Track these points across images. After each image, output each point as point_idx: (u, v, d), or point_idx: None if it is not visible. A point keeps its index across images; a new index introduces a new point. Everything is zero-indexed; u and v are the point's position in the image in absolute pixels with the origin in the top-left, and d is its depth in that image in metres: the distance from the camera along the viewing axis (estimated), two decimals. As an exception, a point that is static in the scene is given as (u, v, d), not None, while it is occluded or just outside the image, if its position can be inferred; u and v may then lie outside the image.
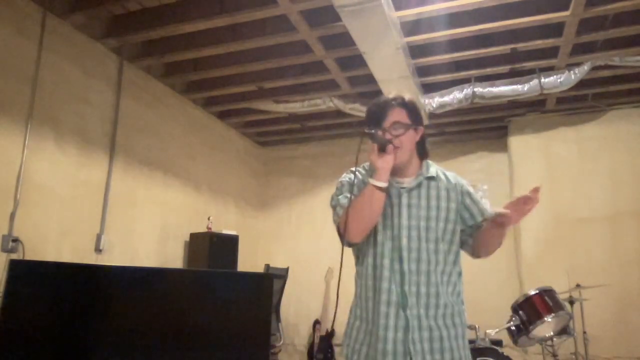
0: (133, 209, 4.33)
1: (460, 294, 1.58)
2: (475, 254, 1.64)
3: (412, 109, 1.59)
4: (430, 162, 1.67)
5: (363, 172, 1.67)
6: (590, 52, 4.11)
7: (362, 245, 1.59)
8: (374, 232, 1.55)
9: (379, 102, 1.60)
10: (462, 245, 1.63)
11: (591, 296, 4.01)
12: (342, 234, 1.55)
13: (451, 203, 1.57)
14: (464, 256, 1.65)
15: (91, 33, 3.91)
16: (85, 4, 3.60)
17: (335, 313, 1.64)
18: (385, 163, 1.48)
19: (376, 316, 1.50)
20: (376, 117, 1.57)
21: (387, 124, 1.55)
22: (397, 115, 1.56)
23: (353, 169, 1.65)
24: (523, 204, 1.39)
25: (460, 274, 1.59)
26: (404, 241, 1.51)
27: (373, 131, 1.50)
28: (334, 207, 1.62)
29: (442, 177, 1.62)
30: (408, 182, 1.59)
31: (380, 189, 1.47)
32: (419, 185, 1.58)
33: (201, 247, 4.87)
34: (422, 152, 1.65)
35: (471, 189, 1.65)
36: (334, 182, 1.75)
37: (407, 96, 1.61)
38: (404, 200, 1.55)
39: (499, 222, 1.46)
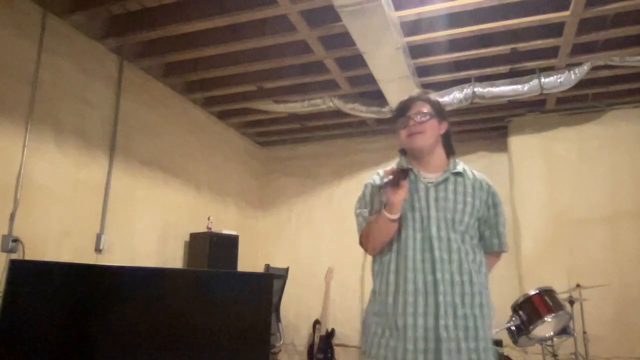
0: (133, 209, 4.33)
1: (488, 287, 1.66)
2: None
3: (435, 104, 1.74)
4: (459, 161, 1.78)
5: (382, 179, 1.75)
6: (590, 52, 4.11)
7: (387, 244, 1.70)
8: (398, 229, 1.65)
9: (406, 99, 1.77)
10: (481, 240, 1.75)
11: (591, 296, 4.01)
12: (362, 246, 1.72)
13: (475, 199, 1.68)
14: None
15: (91, 33, 3.91)
16: (85, 4, 3.60)
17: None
18: (397, 197, 1.58)
19: (401, 307, 1.54)
20: (402, 108, 1.73)
21: (411, 112, 1.70)
22: (421, 106, 1.71)
23: (379, 171, 1.78)
24: None
25: (486, 264, 1.69)
26: (434, 230, 1.59)
27: (385, 181, 1.61)
28: (356, 217, 1.77)
29: (469, 174, 1.74)
30: (435, 177, 1.69)
31: (392, 220, 1.60)
32: (445, 180, 1.67)
33: (201, 247, 4.87)
34: (449, 147, 1.77)
35: (499, 201, 1.78)
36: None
37: (433, 96, 1.78)
38: (432, 194, 1.65)
39: None
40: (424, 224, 1.61)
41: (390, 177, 1.60)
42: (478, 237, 1.70)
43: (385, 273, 1.64)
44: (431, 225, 1.59)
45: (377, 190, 1.72)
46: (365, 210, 1.73)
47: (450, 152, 1.77)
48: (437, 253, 1.56)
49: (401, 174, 1.61)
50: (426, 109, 1.70)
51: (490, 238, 1.72)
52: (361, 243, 1.72)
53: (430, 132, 1.68)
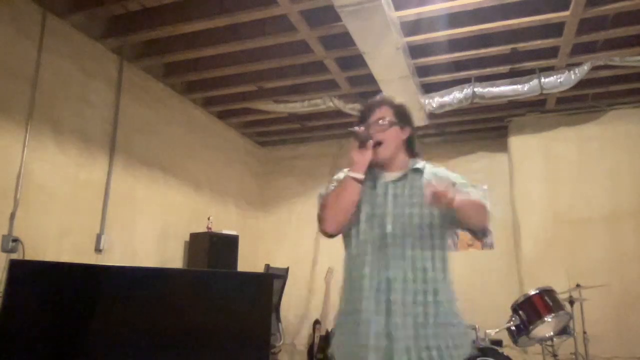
0: (133, 209, 4.33)
1: (450, 282, 1.58)
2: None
3: (399, 110, 1.68)
4: (420, 159, 1.72)
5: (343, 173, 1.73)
6: (590, 52, 4.11)
7: (347, 238, 1.65)
8: (357, 223, 1.61)
9: (369, 102, 1.72)
10: (461, 227, 1.61)
11: (591, 296, 4.01)
12: (320, 225, 1.63)
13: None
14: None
15: (91, 33, 3.91)
16: (85, 4, 3.60)
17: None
18: (363, 157, 1.57)
19: (358, 302, 1.52)
20: (364, 114, 1.69)
21: (372, 119, 1.65)
22: (384, 112, 1.66)
23: (342, 170, 1.72)
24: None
25: (445, 259, 1.59)
26: (389, 227, 1.55)
27: (356, 128, 1.60)
28: (318, 200, 1.70)
29: (430, 170, 1.67)
30: (394, 175, 1.65)
31: (355, 179, 1.56)
32: (404, 177, 1.64)
33: (201, 247, 4.87)
34: (411, 151, 1.72)
35: (459, 181, 1.62)
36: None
37: (397, 99, 1.72)
38: (390, 190, 1.62)
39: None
40: (380, 221, 1.57)
41: (359, 135, 1.57)
42: (444, 233, 1.59)
43: (348, 268, 1.63)
44: (386, 223, 1.56)
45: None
46: (325, 191, 1.66)
47: (412, 155, 1.71)
48: (390, 250, 1.53)
49: (369, 137, 1.59)
50: (388, 115, 1.65)
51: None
52: (319, 220, 1.62)
53: (390, 141, 1.63)
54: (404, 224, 1.55)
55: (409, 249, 1.53)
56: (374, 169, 1.65)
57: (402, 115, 1.68)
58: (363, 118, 1.68)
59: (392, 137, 1.64)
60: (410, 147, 1.71)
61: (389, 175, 1.65)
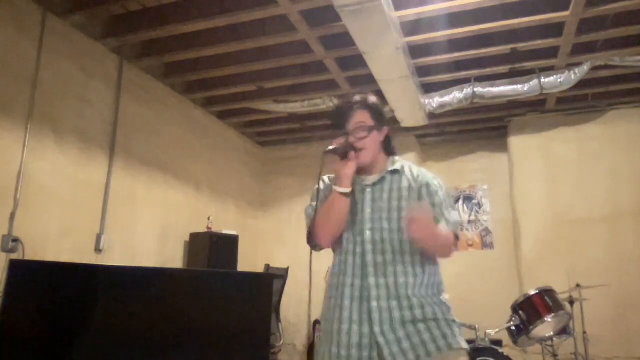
0: (133, 209, 4.33)
1: (435, 284, 1.54)
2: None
3: (375, 110, 1.61)
4: (398, 158, 1.67)
5: (329, 181, 1.69)
6: (590, 52, 4.11)
7: (333, 245, 1.63)
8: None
9: (342, 105, 1.64)
10: None
11: (591, 296, 4.01)
12: (311, 241, 1.61)
13: (413, 193, 1.56)
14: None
15: (91, 33, 3.91)
16: (85, 4, 3.60)
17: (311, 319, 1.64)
18: (347, 169, 1.52)
19: (339, 311, 1.51)
20: (340, 120, 1.60)
21: (350, 127, 1.57)
22: (360, 117, 1.58)
23: (325, 177, 1.70)
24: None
25: (435, 262, 1.56)
26: (367, 234, 1.52)
27: (331, 148, 1.53)
28: (305, 212, 1.68)
29: (407, 171, 1.62)
30: (372, 178, 1.61)
31: (343, 194, 1.51)
32: (382, 180, 1.59)
33: (201, 247, 4.87)
34: (389, 150, 1.66)
35: (437, 188, 1.58)
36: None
37: (371, 98, 1.64)
38: (368, 195, 1.58)
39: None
40: (359, 228, 1.54)
41: (338, 147, 1.51)
42: None
43: (333, 276, 1.60)
44: (365, 229, 1.53)
45: (329, 185, 1.63)
46: (314, 203, 1.62)
47: (390, 154, 1.66)
48: (370, 257, 1.50)
49: (351, 147, 1.53)
50: (366, 118, 1.57)
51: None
52: (309, 236, 1.60)
53: (371, 147, 1.57)
54: (382, 229, 1.52)
55: (389, 253, 1.50)
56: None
57: (378, 116, 1.61)
58: (339, 124, 1.60)
59: (372, 142, 1.58)
60: (388, 147, 1.66)
61: (367, 179, 1.61)
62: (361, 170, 1.59)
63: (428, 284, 1.52)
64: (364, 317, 1.46)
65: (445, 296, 1.56)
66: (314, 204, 1.62)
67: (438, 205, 1.54)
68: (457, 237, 1.53)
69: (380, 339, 1.42)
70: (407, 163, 1.66)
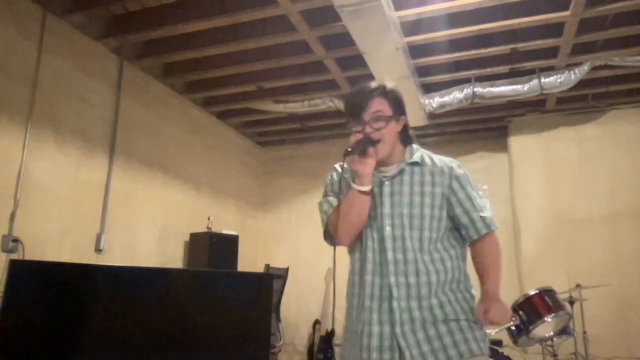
0: (133, 209, 4.33)
1: (462, 280, 1.49)
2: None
3: (393, 98, 1.51)
4: (416, 146, 1.58)
5: (345, 169, 1.59)
6: (590, 52, 4.11)
7: (349, 245, 1.56)
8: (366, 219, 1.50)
9: (359, 93, 1.52)
10: (458, 228, 1.53)
11: (591, 296, 4.01)
12: (331, 238, 1.53)
13: (436, 187, 1.48)
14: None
15: (91, 33, 3.91)
16: (85, 4, 3.60)
17: (333, 312, 1.64)
18: (367, 167, 1.43)
19: (361, 311, 1.45)
20: (356, 109, 1.50)
21: (367, 116, 1.48)
22: (378, 105, 1.48)
23: (337, 165, 1.61)
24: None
25: (457, 257, 1.50)
26: (387, 230, 1.44)
27: (350, 148, 1.44)
28: (320, 205, 1.60)
29: (428, 161, 1.53)
30: (390, 170, 1.52)
31: (364, 193, 1.43)
32: (401, 172, 1.50)
33: (201, 247, 4.87)
34: (406, 139, 1.58)
35: (466, 179, 1.53)
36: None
37: (389, 84, 1.54)
38: (386, 189, 1.49)
39: (482, 281, 1.50)
40: (378, 223, 1.46)
41: (356, 146, 1.43)
42: (448, 228, 1.50)
43: (352, 273, 1.53)
44: (385, 225, 1.45)
45: (342, 175, 1.54)
46: (332, 197, 1.55)
47: (406, 143, 1.57)
48: (390, 254, 1.42)
49: (369, 143, 1.44)
50: (384, 107, 1.48)
51: (471, 223, 1.49)
52: (327, 234, 1.54)
53: (388, 138, 1.48)
54: (403, 226, 1.44)
55: (409, 252, 1.42)
56: None
57: (396, 105, 1.51)
58: (355, 113, 1.49)
59: (390, 133, 1.49)
60: (405, 136, 1.57)
61: (385, 171, 1.52)
62: (378, 163, 1.49)
63: (452, 281, 1.46)
64: (384, 317, 1.40)
65: (472, 291, 1.51)
66: (330, 198, 1.55)
67: (475, 206, 1.50)
68: (491, 231, 1.52)
69: (402, 341, 1.36)
70: (425, 152, 1.58)
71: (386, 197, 1.48)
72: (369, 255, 1.46)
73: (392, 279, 1.41)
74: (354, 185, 1.44)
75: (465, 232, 1.51)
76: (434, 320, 1.39)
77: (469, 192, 1.51)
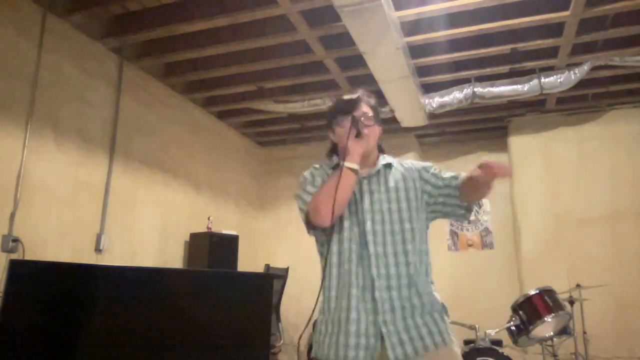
0: (133, 209, 4.33)
1: (429, 274, 1.60)
2: (466, 201, 1.65)
3: (375, 109, 1.69)
4: (386, 155, 1.74)
5: (319, 167, 1.71)
6: (590, 52, 4.12)
7: (326, 236, 1.61)
8: (338, 219, 1.58)
9: (349, 97, 1.69)
10: (449, 215, 1.66)
11: (591, 296, 4.01)
12: (311, 219, 1.57)
13: (407, 182, 1.63)
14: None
15: (91, 33, 3.91)
16: (85, 4, 3.60)
17: (311, 317, 1.63)
18: (359, 147, 1.56)
19: (345, 300, 1.52)
20: (347, 107, 1.64)
21: (358, 114, 1.61)
22: (366, 109, 1.65)
23: (316, 164, 1.73)
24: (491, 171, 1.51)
25: (428, 253, 1.62)
26: (368, 225, 1.55)
27: (355, 115, 1.58)
28: (299, 196, 1.65)
29: (397, 164, 1.70)
30: (367, 171, 1.64)
31: (352, 170, 1.53)
32: (377, 173, 1.64)
33: (201, 247, 4.87)
34: (380, 148, 1.74)
35: (426, 164, 1.71)
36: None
37: (371, 97, 1.73)
38: (365, 187, 1.61)
39: (475, 181, 1.56)
40: (359, 218, 1.57)
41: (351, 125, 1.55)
42: (424, 221, 1.62)
43: (328, 266, 1.60)
44: (366, 220, 1.56)
45: (324, 170, 1.67)
46: (312, 188, 1.63)
47: (380, 151, 1.74)
48: (371, 248, 1.52)
49: (363, 126, 1.57)
50: (370, 112, 1.65)
51: (452, 188, 1.62)
52: (308, 217, 1.57)
53: (372, 138, 1.64)
54: (383, 220, 1.56)
55: (389, 245, 1.53)
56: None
57: (377, 114, 1.68)
58: (345, 111, 1.63)
59: (374, 134, 1.65)
60: (379, 145, 1.74)
61: (362, 172, 1.62)
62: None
63: (425, 274, 1.57)
64: (368, 306, 1.49)
65: (434, 287, 1.61)
66: (309, 187, 1.64)
67: (443, 175, 1.64)
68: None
69: (384, 329, 1.46)
70: (394, 159, 1.73)
71: (365, 195, 1.60)
72: (352, 246, 1.55)
73: (374, 271, 1.51)
74: (345, 163, 1.54)
75: (456, 204, 1.62)
76: (412, 309, 1.49)
77: (437, 172, 1.67)
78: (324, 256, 1.63)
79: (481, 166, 1.53)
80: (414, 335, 1.46)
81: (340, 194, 1.51)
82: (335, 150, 1.70)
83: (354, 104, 1.64)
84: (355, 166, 1.54)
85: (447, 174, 1.66)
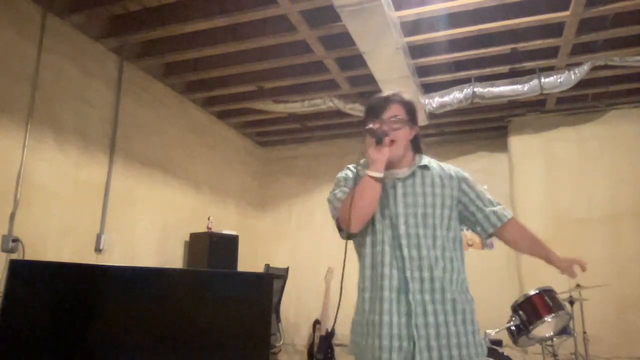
0: (133, 209, 4.33)
1: (465, 280, 1.61)
2: (501, 239, 1.73)
3: (409, 108, 1.66)
4: (425, 155, 1.71)
5: (360, 168, 1.70)
6: (590, 52, 4.11)
7: (360, 238, 1.63)
8: (371, 222, 1.59)
9: (380, 97, 1.69)
10: (473, 228, 1.69)
11: (591, 296, 4.01)
12: (341, 226, 1.60)
13: (445, 189, 1.61)
14: (465, 257, 1.66)
15: (91, 33, 3.91)
16: (85, 4, 3.60)
17: (337, 313, 1.65)
18: (381, 155, 1.54)
19: (378, 303, 1.52)
20: (376, 110, 1.65)
21: (386, 117, 1.62)
22: (396, 110, 1.63)
23: (350, 165, 1.73)
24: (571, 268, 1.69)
25: (463, 259, 1.62)
26: (402, 228, 1.54)
27: (371, 126, 1.57)
28: (330, 202, 1.67)
29: (436, 166, 1.67)
30: (402, 172, 1.63)
31: (375, 179, 1.53)
32: (412, 175, 1.62)
33: (201, 247, 4.87)
34: (417, 148, 1.72)
35: (473, 181, 1.70)
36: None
37: (407, 96, 1.69)
38: (399, 190, 1.60)
39: (546, 259, 1.76)
40: (393, 222, 1.56)
41: (375, 132, 1.55)
42: (456, 231, 1.63)
43: (363, 268, 1.61)
44: (399, 223, 1.55)
45: (357, 174, 1.65)
46: (342, 188, 1.65)
47: (417, 151, 1.72)
48: (405, 251, 1.52)
49: (385, 133, 1.56)
50: (400, 112, 1.63)
51: (486, 219, 1.65)
52: (339, 222, 1.60)
53: (401, 141, 1.62)
54: (417, 224, 1.55)
55: (424, 248, 1.52)
56: None
57: (411, 114, 1.66)
58: (374, 114, 1.64)
59: (404, 136, 1.63)
60: (416, 144, 1.71)
61: (397, 174, 1.62)
62: (390, 164, 1.61)
63: (457, 281, 1.57)
64: (402, 308, 1.49)
65: (471, 294, 1.62)
66: (345, 189, 1.63)
67: (486, 201, 1.66)
68: (511, 219, 1.69)
69: (414, 332, 1.46)
70: (432, 159, 1.71)
71: (400, 197, 1.59)
72: (385, 248, 1.55)
73: (408, 273, 1.50)
74: (367, 172, 1.54)
75: (480, 228, 1.67)
76: (445, 315, 1.49)
77: (479, 190, 1.67)
78: (360, 260, 1.64)
79: (566, 266, 1.80)
80: (443, 344, 1.46)
81: (363, 202, 1.52)
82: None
83: (381, 106, 1.64)
84: (378, 175, 1.53)
85: (488, 198, 1.67)
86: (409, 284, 1.49)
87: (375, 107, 1.65)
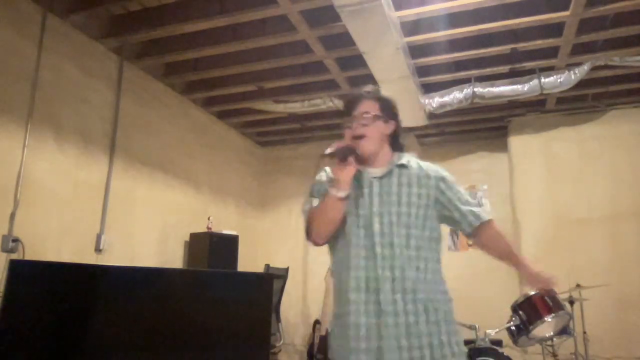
0: (133, 209, 4.33)
1: (441, 280, 1.58)
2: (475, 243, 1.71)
3: (385, 104, 1.66)
4: (405, 154, 1.69)
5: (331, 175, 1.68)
6: (590, 52, 4.11)
7: (332, 241, 1.63)
8: (343, 224, 1.57)
9: (353, 94, 1.70)
10: (454, 227, 1.68)
11: (591, 296, 4.01)
12: (309, 238, 1.62)
13: (422, 189, 1.59)
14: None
15: (91, 33, 3.91)
16: (85, 4, 3.60)
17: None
18: (345, 174, 1.51)
19: (347, 304, 1.50)
20: (348, 106, 1.66)
21: (357, 113, 1.62)
22: (368, 106, 1.62)
23: (326, 167, 1.71)
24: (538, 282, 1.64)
25: (438, 260, 1.60)
26: (376, 227, 1.52)
27: (329, 151, 1.52)
28: (303, 212, 1.68)
29: (415, 165, 1.65)
30: (379, 171, 1.61)
31: (339, 198, 1.51)
32: (389, 173, 1.60)
33: (201, 247, 4.87)
34: (396, 145, 1.70)
35: (452, 181, 1.67)
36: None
37: (383, 92, 1.70)
38: (375, 188, 1.58)
39: (513, 263, 1.65)
40: (367, 221, 1.54)
41: (336, 150, 1.51)
42: (434, 227, 1.61)
43: (337, 271, 1.60)
44: (374, 222, 1.52)
45: (330, 178, 1.62)
46: (315, 199, 1.63)
47: (397, 149, 1.69)
48: (378, 249, 1.49)
49: (348, 150, 1.52)
50: (373, 109, 1.61)
51: (463, 218, 1.62)
52: (307, 232, 1.61)
53: (374, 135, 1.60)
54: (391, 223, 1.52)
55: (397, 247, 1.50)
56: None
57: (386, 109, 1.64)
58: (347, 111, 1.65)
59: (376, 131, 1.60)
60: (396, 142, 1.69)
61: (373, 172, 1.60)
62: (365, 161, 1.60)
63: (432, 281, 1.54)
64: (371, 308, 1.46)
65: (449, 294, 1.58)
66: (313, 200, 1.63)
67: (463, 202, 1.63)
68: (487, 221, 1.66)
69: (384, 332, 1.43)
70: (412, 158, 1.68)
71: (375, 196, 1.57)
72: (357, 251, 1.53)
73: (380, 272, 1.48)
74: (330, 191, 1.52)
75: (459, 227, 1.65)
76: (416, 315, 1.46)
77: (457, 190, 1.65)
78: (332, 262, 1.63)
79: (534, 281, 1.69)
80: (414, 344, 1.43)
81: (324, 220, 1.55)
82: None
83: (353, 102, 1.65)
84: (341, 194, 1.50)
85: (466, 199, 1.65)
86: (379, 283, 1.47)
87: (347, 104, 1.66)
